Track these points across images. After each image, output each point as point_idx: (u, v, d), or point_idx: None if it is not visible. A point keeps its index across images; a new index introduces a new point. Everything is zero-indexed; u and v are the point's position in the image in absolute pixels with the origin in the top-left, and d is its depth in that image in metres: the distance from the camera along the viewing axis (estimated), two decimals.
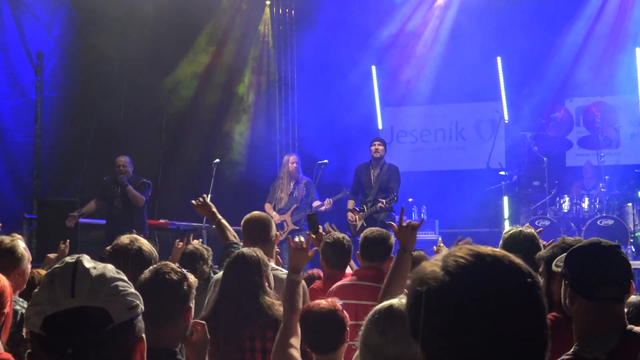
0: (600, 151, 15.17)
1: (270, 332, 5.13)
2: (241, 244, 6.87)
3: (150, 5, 15.93)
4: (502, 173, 15.84)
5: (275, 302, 5.21)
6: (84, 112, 15.87)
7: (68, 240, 8.72)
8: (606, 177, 15.00)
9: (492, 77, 17.17)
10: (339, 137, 17.11)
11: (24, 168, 14.93)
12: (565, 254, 3.87)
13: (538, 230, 6.20)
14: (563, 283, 3.83)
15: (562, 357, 3.63)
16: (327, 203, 14.09)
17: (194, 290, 3.97)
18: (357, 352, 4.66)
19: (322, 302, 4.70)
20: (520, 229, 5.90)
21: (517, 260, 1.93)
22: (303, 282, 6.03)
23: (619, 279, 3.72)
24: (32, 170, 14.90)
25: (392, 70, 18.18)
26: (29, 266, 5.75)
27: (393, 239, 7.05)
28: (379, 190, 13.85)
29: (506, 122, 17.10)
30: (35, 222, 13.28)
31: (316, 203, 14.18)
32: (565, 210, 14.89)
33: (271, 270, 6.00)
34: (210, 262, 7.48)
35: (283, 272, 6.08)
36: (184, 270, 4.00)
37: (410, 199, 16.27)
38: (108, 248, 5.63)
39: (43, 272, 6.04)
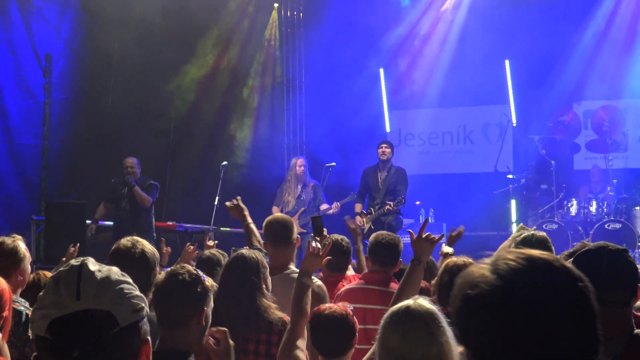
0: (608, 155, 15.14)
1: (264, 336, 5.12)
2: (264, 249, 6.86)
3: (158, 8, 15.95)
4: (510, 176, 15.82)
5: (271, 306, 5.20)
6: (93, 114, 15.89)
7: (78, 244, 8.72)
8: (614, 180, 14.97)
9: (500, 81, 17.16)
10: (346, 140, 17.12)
11: (32, 170, 14.95)
12: (572, 257, 3.86)
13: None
14: None
15: None
16: (335, 207, 14.07)
17: (210, 294, 3.94)
18: (367, 355, 4.67)
19: (334, 306, 4.71)
20: (533, 232, 5.89)
21: (568, 264, 1.93)
22: (320, 283, 6.05)
23: (626, 282, 3.71)
24: (40, 172, 14.92)
25: (400, 73, 18.20)
26: (29, 266, 5.78)
27: (402, 244, 7.04)
28: (386, 193, 13.83)
29: (514, 125, 17.08)
30: (43, 223, 13.28)
31: (324, 206, 14.18)
32: (573, 214, 14.86)
33: (292, 273, 6.01)
34: None
35: None
36: (200, 273, 3.97)
37: (417, 202, 16.27)
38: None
39: (49, 274, 6.05)
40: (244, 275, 5.25)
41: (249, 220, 7.21)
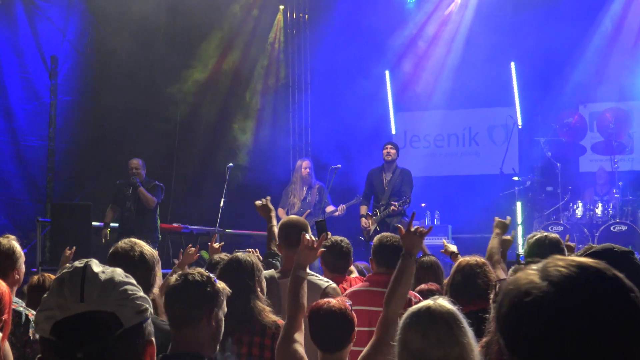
0: (614, 157, 15.14)
1: (258, 339, 5.12)
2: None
3: (164, 10, 15.96)
4: (515, 178, 15.82)
5: (265, 309, 5.20)
6: (98, 116, 15.90)
7: (74, 247, 8.72)
8: (620, 182, 14.97)
9: (505, 82, 17.14)
10: (351, 142, 17.12)
11: (37, 172, 14.96)
12: None
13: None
14: None
15: None
16: (341, 209, 14.07)
17: (221, 297, 3.95)
18: (362, 354, 4.67)
19: (332, 301, 4.70)
20: (546, 233, 5.88)
21: (619, 273, 1.92)
22: (335, 285, 6.04)
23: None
24: (46, 174, 14.93)
25: (406, 75, 18.19)
26: (23, 265, 5.79)
27: None
28: (391, 194, 13.81)
29: (520, 127, 17.06)
30: (48, 225, 13.29)
31: (329, 208, 14.18)
32: (579, 216, 14.86)
33: (307, 275, 6.01)
34: None
35: (319, 278, 6.07)
36: (212, 275, 3.99)
37: (423, 204, 16.26)
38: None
39: (53, 276, 6.07)
40: (239, 278, 5.25)
41: (274, 222, 7.23)
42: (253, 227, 15.27)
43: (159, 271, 5.11)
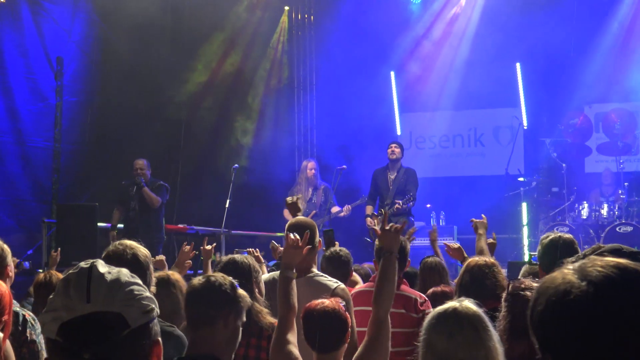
0: (619, 157, 15.12)
1: (254, 340, 5.12)
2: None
3: (169, 11, 15.98)
4: (521, 179, 15.81)
5: (263, 310, 5.20)
6: (103, 117, 15.91)
7: (59, 249, 8.73)
8: (625, 183, 14.95)
9: (511, 83, 17.13)
10: (357, 143, 17.10)
11: (43, 172, 14.98)
12: None
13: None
14: None
15: None
16: (346, 210, 14.06)
17: (241, 304, 3.98)
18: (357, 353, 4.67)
19: (326, 301, 4.69)
20: (560, 234, 5.86)
21: None
22: (343, 286, 6.03)
23: None
24: (52, 175, 14.96)
25: (411, 75, 18.17)
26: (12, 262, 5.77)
27: (409, 245, 7.04)
28: (396, 193, 13.78)
29: (525, 128, 17.04)
30: (54, 226, 13.29)
31: (335, 209, 14.17)
32: (584, 217, 14.84)
33: (316, 276, 6.01)
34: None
35: (327, 279, 6.07)
36: (235, 281, 4.04)
37: (428, 205, 16.25)
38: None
39: (60, 274, 6.07)
40: (236, 279, 5.26)
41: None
42: (257, 228, 15.29)
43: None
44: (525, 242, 15.43)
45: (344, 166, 14.20)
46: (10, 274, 5.68)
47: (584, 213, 14.88)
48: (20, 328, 5.23)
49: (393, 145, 14.20)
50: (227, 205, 13.72)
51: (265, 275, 6.01)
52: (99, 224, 13.10)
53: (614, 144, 15.54)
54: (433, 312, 3.54)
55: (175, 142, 16.94)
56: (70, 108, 15.39)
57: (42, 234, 13.31)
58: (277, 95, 18.42)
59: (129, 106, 16.05)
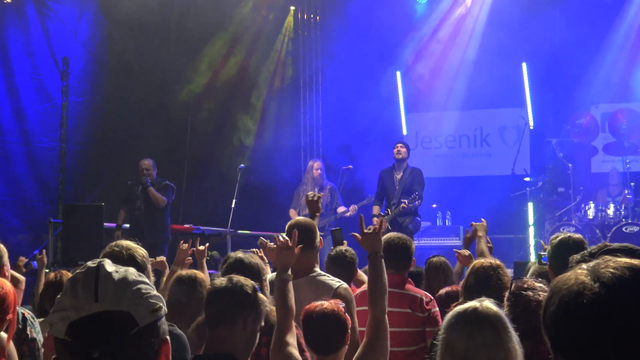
0: (625, 157, 15.10)
1: (265, 338, 5.13)
2: None
3: (175, 11, 15.99)
4: (527, 179, 15.79)
5: (272, 309, 5.22)
6: (109, 117, 15.93)
7: (44, 251, 8.74)
8: (632, 183, 14.92)
9: (517, 83, 17.10)
10: (362, 143, 17.10)
11: (49, 173, 15.00)
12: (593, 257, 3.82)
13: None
14: None
15: None
16: (352, 209, 14.05)
17: (261, 307, 4.06)
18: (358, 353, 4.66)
19: (325, 303, 4.70)
20: (569, 234, 5.84)
21: None
22: (346, 285, 6.03)
23: None
24: (58, 175, 14.97)
25: (417, 76, 18.15)
26: (8, 261, 5.77)
27: (414, 244, 7.04)
28: (402, 193, 13.77)
29: (531, 128, 17.02)
30: (60, 226, 13.31)
31: (341, 209, 14.16)
32: (591, 217, 14.82)
33: (318, 276, 6.01)
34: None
35: (330, 278, 6.06)
36: (255, 284, 4.11)
37: (434, 205, 16.25)
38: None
39: (69, 274, 6.08)
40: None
41: (317, 220, 7.26)
42: (262, 228, 15.28)
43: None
44: (532, 242, 15.41)
45: (350, 166, 14.20)
46: (7, 274, 5.69)
47: (590, 213, 14.87)
48: (20, 326, 5.24)
49: (399, 145, 14.19)
50: (233, 206, 13.73)
51: (270, 275, 6.01)
52: (105, 224, 13.11)
53: (621, 144, 15.51)
54: (453, 311, 3.50)
55: (180, 142, 16.95)
56: (76, 108, 15.40)
57: (48, 234, 13.32)
58: (282, 95, 18.43)
59: (135, 106, 16.07)
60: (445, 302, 6.28)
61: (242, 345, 3.97)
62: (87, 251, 10.78)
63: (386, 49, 17.65)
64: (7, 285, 4.33)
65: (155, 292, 2.17)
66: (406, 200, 13.28)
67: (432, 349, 3.64)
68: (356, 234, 5.33)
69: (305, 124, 18.67)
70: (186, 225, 14.51)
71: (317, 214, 7.27)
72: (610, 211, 14.76)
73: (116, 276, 2.13)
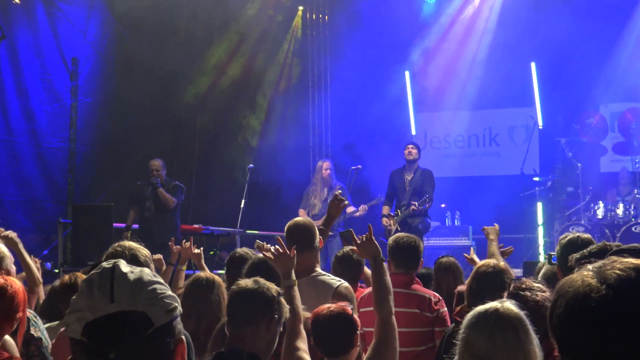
0: (635, 157, 15.06)
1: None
2: None
3: (183, 12, 16.01)
4: (536, 179, 15.76)
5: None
6: (119, 117, 15.96)
7: (35, 257, 8.77)
8: None
9: (526, 83, 17.09)
10: (372, 142, 17.10)
11: (58, 173, 15.03)
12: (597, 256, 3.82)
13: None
14: None
15: None
16: (362, 209, 14.03)
17: (283, 310, 4.16)
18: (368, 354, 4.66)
19: (332, 306, 4.71)
20: (578, 234, 5.83)
21: None
22: (347, 284, 6.03)
23: None
24: (67, 175, 15.00)
25: (426, 75, 18.14)
26: (12, 265, 5.77)
27: (422, 244, 7.03)
28: (412, 194, 13.75)
29: (540, 127, 17.00)
30: (70, 226, 13.34)
31: (350, 209, 14.14)
32: (600, 217, 14.79)
33: (319, 275, 6.01)
34: None
35: (330, 277, 6.07)
36: (278, 289, 4.22)
37: (443, 205, 16.23)
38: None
39: (84, 276, 6.09)
40: (268, 278, 5.26)
41: (333, 222, 7.29)
42: (270, 228, 15.29)
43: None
44: (541, 242, 15.39)
45: (359, 166, 14.18)
46: (7, 275, 5.69)
47: (600, 213, 14.83)
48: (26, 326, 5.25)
49: (410, 146, 14.18)
50: (242, 206, 13.74)
51: None
52: (115, 225, 13.13)
53: (630, 144, 15.48)
54: (474, 311, 3.49)
55: (188, 142, 16.97)
56: (86, 108, 15.43)
57: (58, 234, 13.35)
58: (290, 95, 18.43)
59: (144, 106, 16.10)
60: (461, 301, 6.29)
61: (265, 346, 4.06)
62: (96, 251, 10.78)
63: (395, 48, 17.64)
64: (17, 283, 4.34)
65: (170, 292, 2.17)
66: (416, 203, 13.26)
67: (450, 348, 3.63)
68: (353, 247, 5.39)
69: (314, 124, 18.69)
70: (195, 226, 14.52)
71: (335, 217, 7.25)
72: (620, 211, 14.72)
73: (132, 277, 2.13)
